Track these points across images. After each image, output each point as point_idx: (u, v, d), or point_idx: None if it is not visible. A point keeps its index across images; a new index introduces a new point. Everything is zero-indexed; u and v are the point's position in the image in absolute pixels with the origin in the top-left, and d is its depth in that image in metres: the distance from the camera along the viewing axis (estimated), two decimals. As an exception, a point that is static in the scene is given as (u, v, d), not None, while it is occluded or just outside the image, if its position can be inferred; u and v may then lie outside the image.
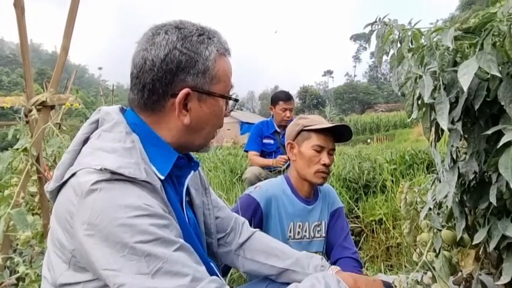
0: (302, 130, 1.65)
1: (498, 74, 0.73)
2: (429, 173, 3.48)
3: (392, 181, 3.51)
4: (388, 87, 65.74)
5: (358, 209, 3.41)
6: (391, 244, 3.05)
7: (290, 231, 1.65)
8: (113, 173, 0.72)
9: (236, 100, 0.95)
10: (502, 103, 0.83)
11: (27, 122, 1.32)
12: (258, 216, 1.57)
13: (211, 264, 0.97)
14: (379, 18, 1.40)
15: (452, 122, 0.94)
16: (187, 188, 1.00)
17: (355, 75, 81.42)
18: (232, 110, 0.98)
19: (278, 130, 3.62)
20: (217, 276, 0.94)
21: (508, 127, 0.79)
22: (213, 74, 0.86)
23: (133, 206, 0.71)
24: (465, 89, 0.77)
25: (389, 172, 3.60)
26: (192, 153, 0.99)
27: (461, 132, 0.94)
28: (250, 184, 3.55)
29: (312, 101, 54.82)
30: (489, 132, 0.84)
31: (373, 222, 3.25)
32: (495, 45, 0.78)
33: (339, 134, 1.64)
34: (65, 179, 0.75)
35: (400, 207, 1.97)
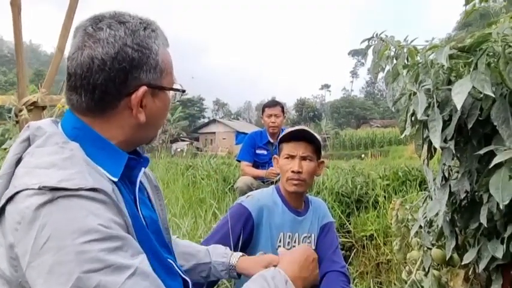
0: (279, 143, 1.69)
1: (491, 94, 0.73)
2: (422, 190, 3.48)
3: (385, 197, 3.49)
4: (384, 103, 66.19)
5: (350, 223, 3.39)
6: (382, 260, 3.02)
7: (280, 241, 1.63)
8: (54, 189, 0.65)
9: (183, 91, 0.93)
10: (495, 123, 0.83)
11: (17, 122, 1.29)
12: (249, 225, 1.55)
13: (174, 264, 0.94)
14: (376, 34, 1.41)
15: (445, 141, 0.94)
16: (143, 186, 0.97)
17: (352, 90, 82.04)
18: (178, 101, 0.97)
19: (271, 141, 3.59)
20: (178, 274, 0.93)
21: (500, 148, 0.79)
22: (162, 68, 0.83)
23: (81, 231, 0.64)
24: (458, 107, 0.77)
25: (382, 188, 3.59)
26: (140, 150, 0.95)
27: (454, 151, 0.94)
28: (242, 194, 3.52)
29: (308, 113, 55.03)
30: (481, 152, 0.83)
31: (364, 238, 3.23)
32: (489, 66, 0.78)
33: (310, 140, 1.64)
34: (0, 205, 0.68)
35: (391, 223, 1.96)
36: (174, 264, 0.96)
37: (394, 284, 2.79)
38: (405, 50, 1.15)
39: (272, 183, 3.34)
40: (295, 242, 1.66)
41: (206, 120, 50.91)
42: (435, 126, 0.87)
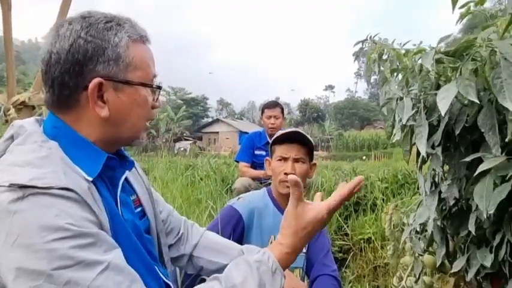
0: (272, 145, 1.68)
1: (476, 100, 0.72)
2: (416, 194, 3.45)
3: (383, 200, 3.47)
4: (388, 105, 65.75)
5: (348, 226, 3.37)
6: (379, 264, 3.00)
7: (270, 244, 1.62)
8: (23, 187, 0.65)
9: (159, 88, 0.89)
10: (482, 130, 0.81)
11: (7, 121, 1.29)
12: (239, 227, 1.54)
13: (156, 268, 0.93)
14: (370, 36, 1.39)
15: (433, 147, 0.92)
16: (132, 189, 0.96)
17: (356, 91, 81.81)
18: (157, 99, 0.90)
19: (270, 141, 3.57)
20: (164, 281, 0.91)
21: (487, 155, 0.77)
22: (127, 62, 0.80)
23: (51, 228, 0.64)
24: (443, 113, 0.75)
25: (380, 191, 3.56)
26: (126, 152, 0.94)
27: (441, 157, 0.92)
28: (239, 195, 3.49)
29: (312, 114, 54.95)
30: (468, 159, 0.81)
31: (362, 241, 3.20)
32: (476, 71, 0.76)
33: (303, 143, 1.63)
34: None
35: (384, 225, 1.94)
36: (157, 268, 0.95)
37: (391, 287, 2.77)
38: (393, 54, 1.13)
39: (270, 184, 3.32)
40: None
41: (210, 120, 50.91)
42: (421, 132, 0.86)
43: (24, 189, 0.65)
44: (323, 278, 1.60)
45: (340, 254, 3.26)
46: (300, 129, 1.75)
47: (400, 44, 1.25)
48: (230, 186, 4.00)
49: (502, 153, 0.78)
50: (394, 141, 1.07)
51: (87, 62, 0.77)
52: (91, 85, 0.77)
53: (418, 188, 3.64)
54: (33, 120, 0.83)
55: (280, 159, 1.62)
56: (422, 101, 0.87)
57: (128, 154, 0.96)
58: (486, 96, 0.80)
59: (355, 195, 3.69)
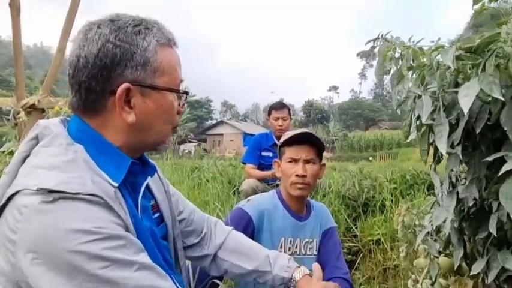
0: (281, 147, 1.66)
1: (500, 97, 0.69)
2: (429, 195, 3.41)
3: (392, 201, 3.43)
4: (393, 105, 65.56)
5: (356, 227, 3.33)
6: (389, 266, 2.97)
7: (281, 247, 1.60)
8: (51, 191, 0.65)
9: (186, 93, 0.88)
10: (505, 128, 0.78)
11: (16, 125, 1.28)
12: (249, 230, 1.53)
13: (173, 277, 0.92)
14: (382, 35, 1.37)
15: (452, 146, 0.90)
16: (151, 194, 0.95)
17: (360, 92, 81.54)
18: (184, 104, 0.90)
19: (277, 143, 3.55)
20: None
21: (510, 154, 0.75)
22: (155, 66, 0.79)
23: (82, 231, 0.65)
24: (465, 111, 0.73)
25: (389, 191, 3.53)
26: (148, 157, 0.93)
27: (461, 157, 0.89)
28: (246, 197, 3.46)
29: (316, 115, 54.80)
30: (490, 159, 0.79)
31: (371, 242, 3.17)
32: (498, 67, 0.74)
33: (313, 143, 1.62)
34: (1, 203, 0.69)
35: (396, 227, 1.91)
36: (172, 277, 0.94)
37: (402, 289, 2.74)
38: (410, 51, 1.10)
39: (278, 185, 3.30)
40: (296, 247, 1.64)
41: (214, 122, 51.00)
42: (441, 131, 0.83)
43: (53, 193, 0.66)
44: (335, 280, 1.58)
45: (349, 256, 3.23)
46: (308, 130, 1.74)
47: (413, 41, 1.22)
48: (237, 188, 3.99)
49: (526, 152, 0.75)
50: (409, 140, 1.05)
51: (115, 67, 0.76)
52: (119, 90, 0.76)
53: (427, 189, 3.60)
54: (58, 121, 0.82)
55: (290, 161, 1.60)
56: (441, 99, 0.84)
57: (149, 159, 0.95)
58: (509, 93, 0.77)
59: (364, 196, 3.66)
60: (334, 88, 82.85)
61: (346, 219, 3.38)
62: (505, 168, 0.72)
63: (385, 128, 46.30)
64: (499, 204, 0.91)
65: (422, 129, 0.93)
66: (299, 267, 1.15)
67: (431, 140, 0.96)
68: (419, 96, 0.87)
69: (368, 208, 3.56)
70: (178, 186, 4.39)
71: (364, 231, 3.29)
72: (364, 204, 3.59)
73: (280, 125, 3.45)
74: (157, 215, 0.98)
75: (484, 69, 0.74)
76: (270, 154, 3.50)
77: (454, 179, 1.06)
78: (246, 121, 62.32)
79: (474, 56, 0.86)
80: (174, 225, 1.03)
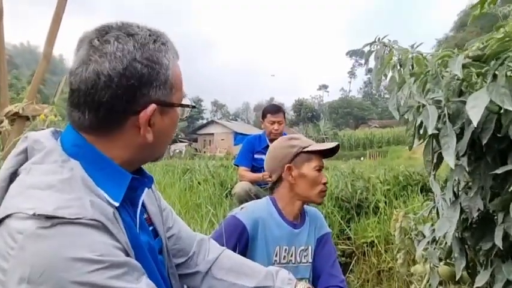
0: (301, 152, 1.59)
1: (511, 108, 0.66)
2: (423, 195, 3.41)
3: (386, 202, 3.42)
4: (383, 104, 66.28)
5: (350, 230, 3.31)
6: (383, 268, 2.95)
7: (276, 256, 1.56)
8: (49, 217, 0.61)
9: (194, 107, 0.89)
10: (513, 139, 0.75)
11: (0, 133, 1.21)
12: (244, 239, 1.48)
13: None
14: (378, 38, 1.34)
15: (457, 157, 0.87)
16: (144, 207, 0.91)
17: (350, 91, 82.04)
18: (186, 118, 0.91)
19: (270, 145, 3.51)
20: None
21: (520, 167, 0.72)
22: (172, 83, 0.77)
23: (85, 260, 0.60)
24: (475, 123, 0.70)
25: (382, 193, 3.52)
26: (144, 167, 0.90)
27: (467, 168, 0.86)
28: (239, 199, 3.43)
29: (307, 114, 54.94)
30: (499, 171, 0.76)
31: (365, 245, 3.15)
32: (506, 76, 0.71)
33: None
34: None
35: (393, 234, 1.89)
36: None
37: (396, 292, 2.73)
38: (410, 57, 1.07)
39: (271, 188, 3.25)
40: (291, 255, 1.60)
41: (204, 122, 50.81)
42: (448, 142, 0.80)
43: (52, 219, 0.61)
44: None
45: (343, 259, 3.21)
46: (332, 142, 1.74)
47: (412, 47, 1.19)
48: (229, 191, 3.94)
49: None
50: (411, 149, 1.02)
51: (142, 87, 0.73)
52: (147, 111, 0.73)
53: (421, 190, 3.60)
54: (50, 134, 0.77)
55: (318, 169, 1.59)
56: (446, 109, 0.81)
57: (146, 170, 0.91)
58: (518, 104, 0.74)
59: (357, 198, 3.65)
60: (324, 87, 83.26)
61: (340, 222, 3.36)
62: (516, 182, 0.68)
63: (375, 127, 46.68)
64: (505, 215, 0.88)
65: (426, 140, 0.89)
66: (302, 281, 1.12)
67: (435, 150, 0.93)
68: (423, 106, 0.83)
69: (361, 210, 3.54)
70: (169, 188, 4.33)
71: (358, 233, 3.27)
72: (358, 205, 3.57)
73: (276, 129, 3.41)
74: (151, 228, 0.93)
75: (493, 79, 0.71)
76: (263, 157, 3.45)
77: (456, 189, 1.03)
78: (236, 120, 62.22)
79: (479, 64, 0.82)
80: (167, 239, 0.99)
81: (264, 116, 3.51)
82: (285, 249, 1.58)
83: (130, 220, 0.79)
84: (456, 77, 0.78)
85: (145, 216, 0.92)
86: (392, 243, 2.97)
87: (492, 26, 1.25)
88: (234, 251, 1.41)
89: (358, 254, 3.17)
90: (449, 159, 0.78)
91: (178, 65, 0.81)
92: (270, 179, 2.06)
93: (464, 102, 0.82)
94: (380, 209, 3.35)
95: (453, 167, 0.78)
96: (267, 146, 3.53)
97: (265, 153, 3.48)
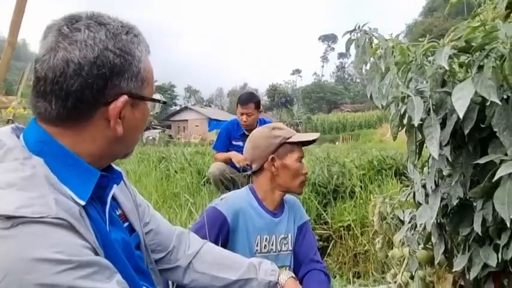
0: (284, 143, 1.58)
1: (498, 101, 0.67)
2: (397, 179, 3.50)
3: (361, 187, 3.50)
4: (355, 88, 67.35)
5: (327, 214, 3.38)
6: (359, 251, 3.03)
7: (257, 245, 1.57)
8: (10, 217, 0.58)
9: (165, 102, 0.87)
10: (495, 129, 0.77)
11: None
12: (225, 230, 1.47)
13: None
14: (359, 26, 1.33)
15: (439, 146, 0.88)
16: (116, 203, 0.89)
17: (322, 75, 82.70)
18: (156, 113, 0.90)
19: (246, 133, 3.50)
20: None
21: (504, 158, 0.73)
22: (143, 76, 0.76)
23: (51, 260, 0.58)
24: (461, 115, 0.70)
25: (358, 178, 3.59)
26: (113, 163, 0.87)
27: (449, 158, 0.87)
28: (214, 180, 3.44)
29: (280, 99, 55.09)
30: (481, 161, 0.77)
31: (342, 228, 3.22)
32: (493, 68, 0.71)
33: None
34: None
35: (371, 219, 1.93)
36: None
37: (372, 274, 2.82)
38: (391, 45, 1.07)
39: (244, 171, 3.26)
40: (272, 244, 1.61)
41: (178, 108, 50.00)
42: (432, 133, 0.80)
43: (13, 219, 0.58)
44: (314, 272, 1.59)
45: (321, 243, 3.27)
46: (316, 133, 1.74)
47: (391, 35, 1.19)
48: (207, 179, 3.91)
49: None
50: (395, 139, 1.02)
51: (113, 77, 0.70)
52: (118, 103, 0.71)
53: (394, 174, 3.70)
54: (10, 131, 0.73)
55: (300, 160, 1.58)
56: (431, 101, 0.81)
57: (115, 166, 0.87)
58: (500, 94, 0.75)
59: (333, 183, 3.71)
60: (297, 71, 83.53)
61: (317, 207, 3.42)
62: (499, 173, 0.70)
63: (347, 111, 47.42)
64: (484, 202, 0.91)
65: (410, 130, 0.90)
66: (284, 270, 1.14)
67: (418, 140, 0.94)
68: (408, 96, 0.83)
69: (338, 194, 3.61)
70: (145, 178, 4.25)
71: (334, 217, 3.34)
72: (334, 190, 3.63)
73: (244, 121, 3.38)
74: (126, 224, 0.91)
75: (478, 70, 0.71)
76: (241, 143, 3.43)
77: (436, 177, 1.05)
78: (210, 106, 61.61)
79: (462, 54, 0.83)
80: (144, 235, 0.97)
81: (236, 106, 3.48)
82: (266, 239, 1.58)
83: (99, 217, 0.76)
84: (440, 68, 0.78)
85: (119, 212, 0.90)
86: (368, 227, 3.06)
87: (458, 12, 1.26)
88: (216, 242, 1.40)
89: (335, 237, 3.24)
90: (434, 150, 0.79)
91: (149, 60, 0.80)
92: (247, 166, 2.05)
93: (448, 93, 0.83)
94: (356, 194, 3.43)
95: (437, 158, 0.79)
96: (243, 134, 3.51)
97: (241, 140, 3.49)
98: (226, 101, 78.43)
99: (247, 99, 3.47)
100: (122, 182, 0.95)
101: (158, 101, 0.83)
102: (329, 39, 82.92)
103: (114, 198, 0.88)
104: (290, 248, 1.65)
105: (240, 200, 1.57)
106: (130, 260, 0.83)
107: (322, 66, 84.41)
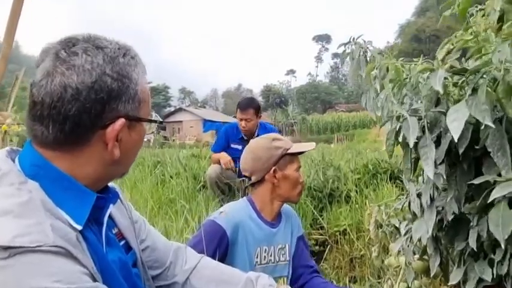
0: (285, 154, 1.58)
1: (492, 125, 0.68)
2: (392, 183, 3.52)
3: (356, 191, 3.51)
4: (349, 88, 67.59)
5: (323, 219, 3.39)
6: (355, 255, 3.05)
7: (257, 257, 1.57)
8: (6, 248, 0.57)
9: (161, 122, 0.88)
10: (490, 150, 0.78)
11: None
12: (224, 244, 1.47)
13: None
14: (353, 38, 1.34)
15: (434, 165, 0.89)
16: (112, 221, 0.88)
17: (317, 75, 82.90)
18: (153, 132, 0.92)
19: (245, 138, 3.50)
20: None
21: (498, 179, 0.74)
22: (140, 98, 0.76)
23: None
24: (456, 137, 0.71)
25: (353, 182, 3.60)
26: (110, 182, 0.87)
27: (444, 176, 0.88)
28: (210, 182, 3.45)
29: (275, 99, 55.12)
30: (476, 182, 0.78)
31: (338, 233, 3.23)
32: (487, 92, 0.72)
33: None
34: None
35: (368, 228, 1.94)
36: None
37: (368, 278, 2.83)
38: (385, 63, 1.08)
39: (241, 176, 3.26)
40: (271, 255, 1.61)
41: (172, 109, 49.86)
42: (427, 153, 0.81)
43: (9, 250, 0.57)
44: (317, 278, 1.64)
45: (317, 247, 3.28)
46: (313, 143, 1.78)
47: (388, 42, 1.20)
48: (202, 185, 3.91)
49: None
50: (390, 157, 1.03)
51: (111, 101, 0.70)
52: (116, 126, 0.71)
53: (390, 178, 3.72)
54: (5, 155, 0.72)
55: (298, 170, 1.60)
56: (426, 120, 0.82)
57: (111, 185, 0.87)
58: (493, 115, 0.76)
59: (329, 187, 3.72)
60: (291, 72, 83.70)
61: (313, 211, 3.42)
62: (494, 195, 0.71)
63: (342, 111, 47.58)
64: (479, 218, 0.92)
65: (405, 148, 0.91)
66: (281, 283, 1.13)
67: (412, 157, 0.95)
68: (403, 116, 0.84)
69: (333, 199, 3.62)
70: (140, 184, 4.23)
71: (330, 222, 3.34)
72: (330, 195, 3.64)
73: (243, 127, 3.39)
74: (122, 242, 0.91)
75: (472, 93, 0.72)
76: (239, 147, 3.44)
77: (432, 192, 1.06)
78: (205, 107, 61.46)
79: (456, 75, 0.84)
80: (140, 252, 0.97)
81: (236, 110, 3.48)
82: (265, 250, 1.59)
83: (96, 240, 0.76)
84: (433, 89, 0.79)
85: (115, 230, 0.89)
86: (363, 231, 3.07)
87: (450, 14, 1.28)
88: (214, 256, 1.40)
89: (331, 242, 3.25)
90: (429, 171, 0.79)
91: (146, 80, 0.80)
92: (230, 166, 2.01)
93: (442, 112, 0.84)
94: (351, 198, 3.44)
95: (432, 178, 0.80)
96: (242, 138, 3.51)
97: (240, 144, 3.49)
98: (221, 101, 78.38)
99: (247, 104, 3.47)
100: (118, 199, 0.95)
101: (155, 121, 0.83)
102: (323, 39, 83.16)
103: (110, 216, 0.88)
104: (288, 258, 1.66)
105: (240, 212, 1.57)
106: (127, 280, 0.83)
107: (317, 67, 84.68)
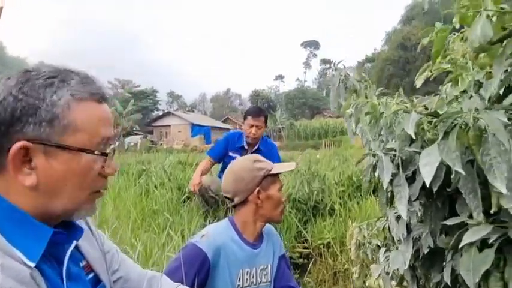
0: (268, 175, 1.59)
1: (462, 172, 0.69)
2: (375, 196, 3.55)
3: (340, 204, 3.53)
4: (336, 94, 67.87)
5: (307, 232, 3.39)
6: (339, 269, 3.06)
7: (239, 280, 1.55)
8: None
9: (104, 154, 0.76)
10: (462, 191, 0.78)
11: None
12: (205, 268, 1.45)
13: None
14: (333, 63, 1.36)
15: (409, 201, 0.89)
16: (79, 253, 0.85)
17: (305, 81, 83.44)
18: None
19: (246, 148, 3.46)
20: None
21: (469, 221, 0.75)
22: (64, 123, 0.70)
23: None
24: (427, 182, 0.72)
25: (337, 194, 3.62)
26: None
27: (419, 213, 0.89)
28: (200, 192, 3.42)
29: (263, 104, 55.22)
30: (449, 223, 0.79)
31: (321, 246, 3.24)
32: (457, 139, 0.73)
33: None
34: None
35: (349, 247, 1.95)
36: None
37: (351, 293, 2.84)
38: (360, 87, 1.09)
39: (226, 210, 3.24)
40: (253, 276, 1.60)
41: (160, 113, 49.51)
42: (400, 192, 0.82)
43: None
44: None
45: (301, 260, 3.29)
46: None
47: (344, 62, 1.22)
48: (187, 196, 3.88)
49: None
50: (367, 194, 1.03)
51: (15, 122, 0.67)
52: (13, 148, 0.66)
53: (373, 191, 3.75)
54: None
55: (280, 190, 1.61)
56: (400, 160, 0.83)
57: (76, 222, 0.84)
58: (465, 159, 0.77)
59: (313, 199, 3.74)
60: (280, 77, 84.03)
61: (297, 224, 3.42)
62: (465, 240, 0.72)
63: (329, 116, 47.88)
64: (453, 254, 0.93)
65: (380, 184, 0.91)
66: None
67: (388, 191, 0.95)
68: (378, 155, 0.85)
69: (317, 211, 3.63)
70: (124, 193, 4.17)
71: (314, 235, 3.35)
72: (314, 207, 3.66)
73: (253, 133, 3.32)
74: (91, 275, 0.87)
75: (444, 137, 0.73)
76: (238, 156, 3.41)
77: (409, 222, 1.07)
78: (193, 112, 61.21)
79: (429, 116, 0.85)
80: (111, 284, 0.94)
81: (245, 117, 3.44)
82: (247, 272, 1.57)
83: (55, 277, 0.72)
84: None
85: (83, 263, 0.85)
86: (347, 245, 3.08)
87: (434, 22, 1.30)
88: (194, 280, 1.38)
89: (314, 255, 3.26)
90: (402, 210, 0.80)
91: (90, 106, 0.74)
92: (226, 198, 2.05)
93: (416, 152, 0.85)
94: (335, 211, 3.46)
95: (405, 218, 0.80)
96: (242, 147, 3.47)
97: (238, 153, 3.46)
98: (209, 106, 78.18)
99: (259, 111, 3.46)
100: (88, 229, 0.92)
101: (90, 151, 0.73)
102: (311, 45, 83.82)
103: (78, 249, 0.85)
104: (269, 279, 1.65)
105: (221, 235, 1.55)
106: None
107: (305, 72, 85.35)
